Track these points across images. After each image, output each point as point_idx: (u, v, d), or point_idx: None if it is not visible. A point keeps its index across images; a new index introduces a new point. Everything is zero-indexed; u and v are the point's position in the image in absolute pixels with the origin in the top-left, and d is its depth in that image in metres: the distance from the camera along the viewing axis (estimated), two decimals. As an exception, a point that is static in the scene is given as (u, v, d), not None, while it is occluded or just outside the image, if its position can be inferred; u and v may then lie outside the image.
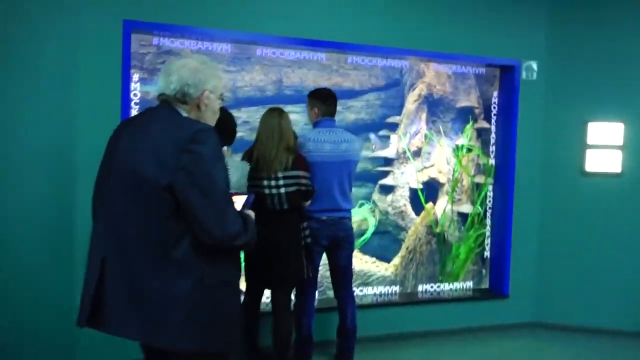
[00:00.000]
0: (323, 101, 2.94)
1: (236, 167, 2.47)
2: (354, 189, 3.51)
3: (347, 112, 3.55)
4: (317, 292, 3.12)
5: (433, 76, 3.75)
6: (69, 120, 2.78)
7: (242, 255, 2.04)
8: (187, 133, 1.42)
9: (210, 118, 1.60)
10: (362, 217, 3.60)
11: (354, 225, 3.52)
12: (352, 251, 3.01)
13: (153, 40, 3.08)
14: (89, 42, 2.81)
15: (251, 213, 1.63)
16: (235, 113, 3.27)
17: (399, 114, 3.66)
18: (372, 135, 3.60)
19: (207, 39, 3.18)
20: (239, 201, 1.66)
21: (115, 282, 1.46)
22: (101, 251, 1.49)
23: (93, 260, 1.51)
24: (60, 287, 2.71)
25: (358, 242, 3.58)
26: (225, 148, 2.77)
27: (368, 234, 3.64)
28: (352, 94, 3.56)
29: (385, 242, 3.69)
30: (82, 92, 2.80)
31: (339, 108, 3.47)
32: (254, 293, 2.86)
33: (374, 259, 3.65)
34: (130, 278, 1.44)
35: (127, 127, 1.58)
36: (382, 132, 3.64)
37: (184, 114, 1.54)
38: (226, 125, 2.49)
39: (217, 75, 1.61)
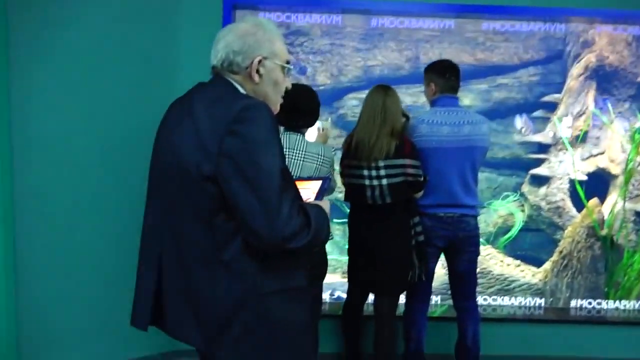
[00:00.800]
0: (441, 74, 2.49)
1: (315, 155, 2.18)
2: (500, 179, 3.08)
3: (496, 91, 3.08)
4: (434, 299, 2.76)
5: (605, 43, 3.06)
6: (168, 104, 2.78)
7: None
8: (232, 111, 1.16)
9: (272, 91, 1.33)
10: (508, 211, 3.12)
11: (499, 221, 3.09)
12: (477, 255, 2.53)
13: (258, 15, 2.93)
14: (189, 21, 2.71)
15: (324, 204, 1.34)
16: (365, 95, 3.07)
17: (560, 91, 3.08)
18: (522, 117, 3.08)
19: (317, 11, 2.95)
20: (312, 187, 1.40)
21: (172, 280, 1.29)
22: (156, 245, 1.31)
23: (147, 255, 1.34)
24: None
25: (501, 240, 3.11)
26: (320, 125, 2.51)
27: (513, 232, 3.12)
28: (503, 69, 3.07)
29: (535, 242, 3.13)
30: (182, 75, 2.71)
31: (484, 87, 3.08)
32: (357, 294, 2.58)
33: (518, 261, 3.12)
34: (185, 279, 1.25)
35: (172, 107, 1.36)
36: (537, 113, 3.08)
37: (239, 88, 1.29)
38: (306, 103, 2.21)
39: (274, 38, 1.32)
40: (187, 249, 1.24)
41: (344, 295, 2.75)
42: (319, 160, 2.18)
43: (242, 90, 1.29)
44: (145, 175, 1.32)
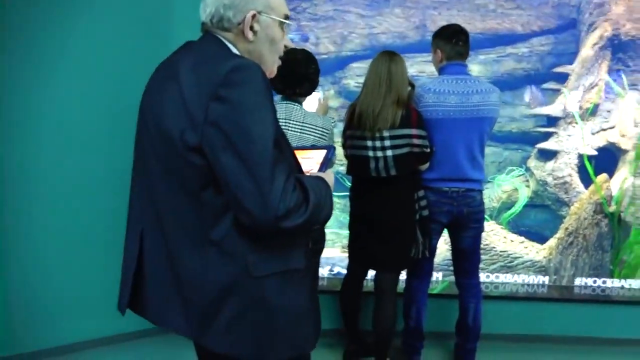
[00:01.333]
0: (448, 40, 2.35)
1: (313, 126, 2.08)
2: (505, 153, 2.99)
3: (504, 61, 2.97)
4: (434, 275, 2.71)
5: (623, 11, 2.90)
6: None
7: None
8: (219, 73, 1.02)
9: (268, 50, 1.18)
10: (512, 186, 3.04)
11: (503, 196, 3.02)
12: (481, 232, 2.45)
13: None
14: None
15: (328, 176, 1.21)
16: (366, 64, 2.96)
17: (572, 62, 2.95)
18: (531, 88, 2.97)
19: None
20: (315, 157, 1.29)
21: (155, 263, 1.18)
22: (139, 223, 1.21)
23: (131, 234, 1.23)
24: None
25: (504, 216, 3.04)
26: (321, 95, 2.41)
27: (518, 207, 3.05)
28: (513, 39, 2.95)
29: (540, 218, 3.05)
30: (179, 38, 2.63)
31: (493, 56, 2.96)
32: (357, 270, 2.53)
33: (522, 238, 3.05)
34: (170, 259, 1.14)
35: (158, 69, 1.21)
36: (547, 85, 2.96)
37: (231, 47, 1.15)
38: (304, 69, 2.09)
39: None
40: (172, 227, 1.13)
41: (344, 271, 2.72)
42: (317, 132, 2.08)
43: (234, 50, 1.15)
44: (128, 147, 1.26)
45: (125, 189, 1.42)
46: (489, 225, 3.00)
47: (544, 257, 3.05)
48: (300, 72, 2.07)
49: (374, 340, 2.42)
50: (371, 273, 2.56)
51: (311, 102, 2.31)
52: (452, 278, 2.60)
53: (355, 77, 2.97)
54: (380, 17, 2.94)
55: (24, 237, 2.58)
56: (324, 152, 1.31)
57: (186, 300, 1.13)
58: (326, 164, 1.28)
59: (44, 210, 2.60)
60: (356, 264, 2.50)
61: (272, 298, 1.12)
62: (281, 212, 1.01)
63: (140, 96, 1.22)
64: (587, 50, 2.94)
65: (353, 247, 2.45)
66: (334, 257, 3.01)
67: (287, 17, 1.20)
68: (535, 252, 3.05)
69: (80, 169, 2.64)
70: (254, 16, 1.14)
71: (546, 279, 3.06)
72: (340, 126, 2.47)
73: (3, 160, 2.49)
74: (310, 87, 2.15)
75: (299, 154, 1.26)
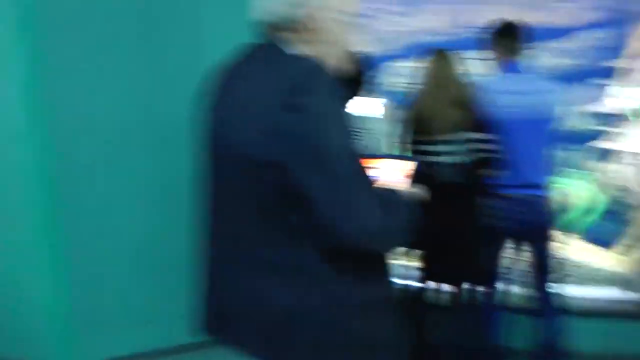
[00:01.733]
0: (500, 36, 2.22)
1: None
2: (561, 153, 2.79)
3: (549, 57, 2.81)
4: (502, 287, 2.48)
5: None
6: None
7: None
8: (287, 78, 0.95)
9: (331, 52, 1.08)
10: (581, 191, 2.87)
11: (573, 202, 2.86)
12: (552, 241, 2.28)
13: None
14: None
15: (417, 190, 1.18)
16: (401, 63, 2.79)
17: (626, 56, 2.78)
18: (584, 84, 2.80)
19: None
20: (401, 168, 1.19)
21: (233, 287, 1.11)
22: (213, 243, 1.15)
23: (204, 254, 1.18)
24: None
25: (574, 222, 2.86)
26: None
27: (594, 215, 2.86)
28: (558, 33, 2.83)
29: (608, 224, 2.84)
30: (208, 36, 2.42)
31: (543, 51, 2.75)
32: (421, 282, 2.35)
33: (596, 247, 2.86)
34: (249, 285, 1.07)
35: (218, 76, 1.14)
36: (598, 81, 2.81)
37: (293, 49, 1.05)
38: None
39: None
40: (250, 250, 1.06)
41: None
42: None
43: (296, 52, 1.05)
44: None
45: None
46: (562, 235, 2.77)
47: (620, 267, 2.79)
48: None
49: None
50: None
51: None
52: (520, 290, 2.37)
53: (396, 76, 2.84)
54: (412, 14, 2.79)
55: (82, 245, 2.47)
56: (412, 164, 1.21)
57: (264, 325, 1.07)
58: (415, 176, 1.20)
59: (101, 217, 2.50)
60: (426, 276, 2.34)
61: (359, 328, 1.06)
62: (371, 228, 0.98)
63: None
64: (637, 43, 2.78)
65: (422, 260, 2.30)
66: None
67: (353, 15, 1.11)
68: (612, 262, 2.82)
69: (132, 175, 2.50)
70: (318, 15, 1.05)
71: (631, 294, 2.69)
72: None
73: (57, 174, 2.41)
74: (355, 84, 2.02)
75: (384, 164, 1.20)
